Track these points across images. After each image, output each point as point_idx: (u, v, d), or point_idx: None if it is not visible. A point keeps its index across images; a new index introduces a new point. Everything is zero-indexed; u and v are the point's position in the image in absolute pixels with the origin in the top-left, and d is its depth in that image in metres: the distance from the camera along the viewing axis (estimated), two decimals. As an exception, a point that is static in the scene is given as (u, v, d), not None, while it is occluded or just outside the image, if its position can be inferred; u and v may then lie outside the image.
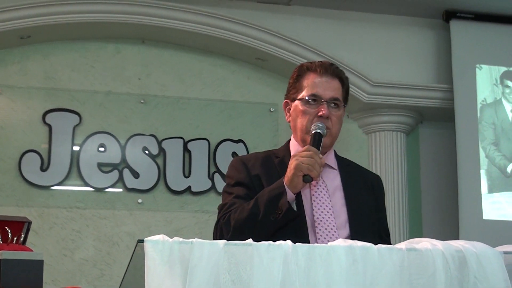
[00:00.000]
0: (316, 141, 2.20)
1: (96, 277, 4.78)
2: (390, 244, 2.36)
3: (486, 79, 5.33)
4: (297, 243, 1.64)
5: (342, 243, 1.64)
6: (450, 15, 5.38)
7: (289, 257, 1.59)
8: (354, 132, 5.52)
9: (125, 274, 1.79)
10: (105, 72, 5.07)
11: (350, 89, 5.52)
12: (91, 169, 4.89)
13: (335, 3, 5.25)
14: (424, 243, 1.66)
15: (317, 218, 2.20)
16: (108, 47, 5.11)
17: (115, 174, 4.94)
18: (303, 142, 2.30)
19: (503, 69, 5.39)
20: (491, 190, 5.16)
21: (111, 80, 5.07)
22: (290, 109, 2.35)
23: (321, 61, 2.39)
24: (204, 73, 5.26)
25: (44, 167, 4.82)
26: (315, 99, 2.28)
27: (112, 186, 4.92)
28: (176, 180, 5.03)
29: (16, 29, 4.71)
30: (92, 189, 4.89)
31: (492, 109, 5.28)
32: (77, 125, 4.94)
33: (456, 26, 5.37)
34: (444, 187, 5.45)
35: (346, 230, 2.22)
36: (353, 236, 2.19)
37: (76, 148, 4.90)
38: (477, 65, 5.33)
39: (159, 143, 5.04)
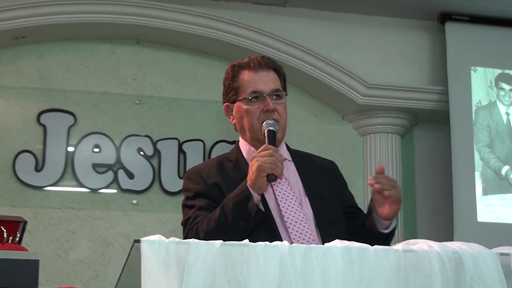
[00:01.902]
0: (271, 138, 2.19)
1: (91, 277, 4.76)
2: (363, 212, 2.38)
3: (481, 81, 5.34)
4: (293, 244, 1.64)
5: (339, 244, 1.64)
6: (445, 17, 5.39)
7: (286, 258, 1.59)
8: (349, 134, 5.52)
9: (121, 274, 1.78)
10: (100, 73, 5.06)
11: (345, 91, 5.56)
12: (86, 169, 4.88)
13: (330, 5, 5.26)
14: (421, 244, 1.66)
15: (285, 213, 2.18)
16: (103, 48, 5.10)
17: (110, 175, 4.93)
18: (255, 141, 2.28)
19: (498, 71, 5.40)
20: (485, 192, 5.17)
21: (106, 80, 5.06)
22: (233, 111, 2.33)
23: (252, 57, 2.35)
24: (199, 74, 5.26)
25: (38, 168, 4.80)
26: (256, 95, 2.27)
27: (106, 186, 4.91)
28: (171, 181, 5.02)
29: (10, 29, 4.70)
30: (86, 190, 4.88)
31: (487, 111, 5.29)
32: (72, 125, 4.93)
33: (451, 28, 5.38)
34: (438, 189, 5.46)
35: (313, 220, 2.21)
36: (320, 224, 2.20)
37: (70, 148, 4.89)
38: (472, 67, 5.35)
39: (154, 144, 5.04)
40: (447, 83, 5.28)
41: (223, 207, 2.11)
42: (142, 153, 5.01)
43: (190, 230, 2.15)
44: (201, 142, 5.13)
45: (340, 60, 5.24)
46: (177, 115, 5.15)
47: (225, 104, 2.38)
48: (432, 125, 5.59)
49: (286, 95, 2.34)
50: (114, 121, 5.02)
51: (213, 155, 5.08)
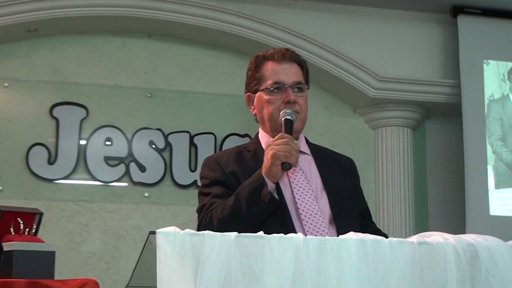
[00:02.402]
0: (288, 127, 2.19)
1: (103, 270, 4.79)
2: (374, 224, 2.38)
3: (493, 75, 5.31)
4: (308, 236, 1.64)
5: (353, 236, 1.64)
6: (457, 10, 5.36)
7: (300, 250, 1.59)
8: (360, 127, 5.51)
9: (136, 265, 1.79)
10: (112, 66, 5.07)
11: (356, 84, 5.55)
12: (98, 162, 4.90)
13: (342, -2, 5.25)
14: (436, 237, 1.66)
15: (300, 205, 2.18)
16: (114, 41, 5.11)
17: (121, 168, 4.94)
18: (274, 131, 2.27)
19: (511, 64, 5.37)
20: (498, 185, 5.15)
21: (117, 74, 5.07)
22: (254, 101, 2.33)
23: (276, 49, 2.36)
24: (210, 68, 5.26)
25: (51, 161, 4.83)
26: (278, 86, 2.27)
27: (118, 179, 4.93)
28: (182, 174, 5.03)
29: (23, 22, 4.71)
30: (98, 183, 4.90)
31: (499, 105, 5.27)
32: (84, 118, 4.94)
33: (463, 21, 5.35)
34: (450, 182, 5.44)
35: (328, 214, 2.21)
36: (336, 219, 2.20)
37: (83, 141, 4.91)
38: (485, 61, 5.32)
39: (166, 137, 5.05)
40: (459, 76, 5.25)
41: (238, 194, 2.12)
42: (153, 146, 5.02)
43: (205, 216, 2.16)
44: (212, 135, 5.13)
45: (351, 53, 5.23)
46: (188, 108, 5.16)
47: (246, 94, 2.37)
48: (444, 119, 5.57)
49: (308, 89, 2.34)
50: (126, 114, 5.03)
51: (224, 148, 5.09)
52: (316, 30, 5.21)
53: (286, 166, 2.09)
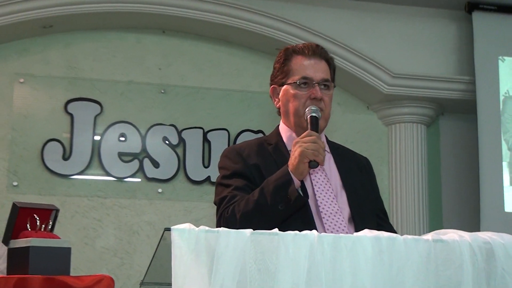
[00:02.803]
0: (314, 124, 2.17)
1: (117, 265, 4.81)
2: (390, 225, 2.37)
3: (508, 71, 5.28)
4: (322, 233, 1.64)
5: (368, 234, 1.63)
6: (472, 6, 5.34)
7: (315, 247, 1.58)
8: (374, 124, 5.50)
9: (151, 261, 1.80)
10: (126, 62, 5.09)
11: (370, 80, 5.53)
12: (112, 158, 4.92)
13: (356, -6, 5.23)
14: (451, 235, 1.65)
15: (321, 203, 2.17)
16: (128, 37, 5.13)
17: (135, 164, 4.96)
18: (297, 126, 2.26)
19: (526, 61, 5.34)
20: (513, 182, 5.12)
21: (131, 70, 5.09)
22: (279, 94, 2.31)
23: (306, 43, 2.34)
24: (223, 64, 5.26)
25: (66, 156, 4.85)
26: (306, 82, 2.25)
27: (132, 175, 4.95)
28: (195, 170, 5.04)
29: (38, 18, 4.74)
30: (112, 179, 4.92)
31: (514, 102, 5.24)
32: (98, 114, 4.96)
33: (478, 18, 5.32)
34: (464, 179, 5.42)
35: (348, 213, 2.20)
36: (354, 218, 2.19)
37: (97, 137, 4.93)
38: (500, 57, 5.29)
39: (179, 133, 5.06)
40: (474, 72, 5.22)
41: (263, 189, 2.09)
42: (167, 142, 5.03)
43: (226, 209, 2.12)
44: (225, 131, 5.14)
45: (365, 50, 5.21)
46: (201, 104, 5.17)
47: (272, 86, 2.34)
48: (458, 115, 5.54)
49: (334, 87, 2.32)
50: (140, 110, 5.04)
51: (238, 144, 5.10)
52: (329, 26, 5.20)
53: (313, 164, 2.08)
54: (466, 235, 1.65)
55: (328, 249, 1.59)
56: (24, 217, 2.58)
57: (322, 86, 2.26)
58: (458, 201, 5.44)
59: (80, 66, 5.01)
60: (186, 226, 1.59)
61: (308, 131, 2.14)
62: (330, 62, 2.33)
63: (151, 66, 5.13)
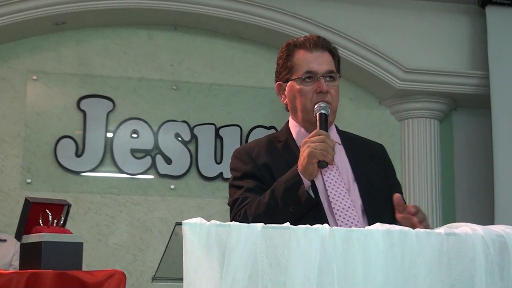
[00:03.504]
0: (323, 122, 2.15)
1: (130, 262, 4.83)
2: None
3: (522, 65, 5.24)
4: (334, 227, 1.63)
5: (380, 227, 1.62)
6: (485, 1, 5.30)
7: (327, 241, 1.58)
8: (387, 119, 5.48)
9: (162, 256, 1.79)
10: (138, 59, 5.10)
11: (382, 75, 5.49)
12: (124, 155, 4.94)
13: (368, -11, 5.21)
14: (464, 228, 1.64)
15: (333, 198, 2.15)
16: (140, 34, 5.14)
17: (147, 160, 4.97)
18: (306, 122, 2.24)
19: (540, 55, 5.29)
20: (527, 177, 5.08)
21: (143, 66, 5.10)
22: (285, 90, 2.29)
23: (307, 36, 2.31)
24: (236, 60, 5.26)
25: (79, 153, 4.87)
26: (310, 76, 2.22)
27: (145, 172, 4.96)
28: (208, 166, 5.05)
29: (50, 15, 4.76)
30: (125, 175, 4.93)
31: (528, 96, 5.20)
32: (110, 111, 4.98)
33: (492, 12, 5.28)
34: (478, 174, 5.39)
35: (360, 206, 2.18)
36: (367, 211, 2.17)
37: (109, 134, 4.95)
38: (513, 51, 5.25)
39: (191, 129, 5.06)
40: (488, 67, 5.19)
41: (273, 192, 2.08)
42: (179, 138, 5.04)
43: (238, 212, 2.13)
44: (238, 128, 5.14)
45: (377, 45, 5.19)
46: (214, 101, 5.17)
47: (277, 83, 2.33)
48: (472, 110, 5.51)
49: (340, 77, 2.29)
50: (152, 107, 5.05)
51: (250, 141, 5.09)
52: (341, 21, 5.18)
53: (323, 165, 2.06)
54: (478, 228, 1.63)
55: (339, 243, 1.58)
56: (36, 212, 2.59)
57: (328, 78, 2.24)
58: (472, 196, 5.41)
59: (92, 63, 5.02)
60: (197, 220, 1.59)
61: (317, 130, 2.12)
62: (333, 52, 2.30)
63: (163, 63, 5.14)
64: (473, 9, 5.40)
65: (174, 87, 5.13)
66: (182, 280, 1.54)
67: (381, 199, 2.23)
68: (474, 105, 5.43)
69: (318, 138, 2.07)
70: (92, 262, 4.67)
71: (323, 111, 2.17)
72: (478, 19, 5.40)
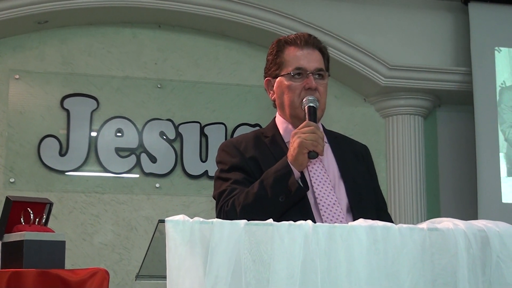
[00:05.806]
0: (312, 115, 2.15)
1: (115, 261, 4.81)
2: (389, 215, 2.35)
3: (505, 62, 5.28)
4: (317, 223, 1.63)
5: (363, 223, 1.63)
6: (468, -3, 5.33)
7: (310, 237, 1.58)
8: (371, 116, 5.49)
9: (146, 253, 1.79)
10: (122, 57, 5.08)
11: (367, 72, 5.51)
12: (109, 154, 4.91)
13: (352, -14, 5.22)
14: (446, 223, 1.65)
15: (318, 194, 2.16)
16: (124, 32, 5.11)
17: (132, 159, 4.95)
18: (294, 118, 2.24)
19: (523, 51, 5.33)
20: (510, 173, 5.12)
21: (127, 65, 5.08)
22: (273, 86, 2.30)
23: (298, 34, 2.32)
24: (220, 58, 5.25)
25: (62, 152, 4.85)
26: (300, 72, 2.23)
27: (129, 171, 4.94)
28: (193, 164, 5.04)
29: (33, 14, 4.72)
30: (110, 174, 4.91)
31: (511, 92, 5.23)
32: (94, 110, 4.96)
33: (474, 9, 5.31)
34: (462, 170, 5.42)
35: (346, 203, 2.19)
36: (353, 208, 2.17)
37: (94, 133, 4.92)
38: (496, 48, 5.28)
39: (176, 127, 5.05)
40: (471, 64, 5.22)
41: (263, 182, 2.08)
42: (164, 137, 5.03)
43: (226, 203, 2.11)
44: (223, 126, 5.13)
45: (362, 42, 5.20)
46: (198, 99, 5.16)
47: (266, 78, 2.33)
48: (455, 106, 5.54)
49: (329, 76, 2.31)
50: (136, 105, 5.04)
51: (235, 138, 5.09)
52: (325, 18, 5.19)
53: (313, 155, 2.07)
54: (460, 224, 1.64)
55: (323, 239, 1.58)
56: (17, 211, 2.57)
57: (316, 76, 2.25)
58: (456, 193, 5.44)
59: (76, 62, 4.99)
60: (180, 217, 1.58)
61: (306, 121, 2.12)
62: (323, 51, 2.32)
63: (147, 61, 5.12)
64: (456, 5, 5.43)
65: (159, 86, 5.11)
66: (166, 277, 1.54)
67: (366, 198, 2.24)
68: (458, 101, 5.46)
69: (308, 129, 2.08)
70: (77, 261, 4.65)
71: (311, 104, 2.18)
72: (461, 16, 5.43)
